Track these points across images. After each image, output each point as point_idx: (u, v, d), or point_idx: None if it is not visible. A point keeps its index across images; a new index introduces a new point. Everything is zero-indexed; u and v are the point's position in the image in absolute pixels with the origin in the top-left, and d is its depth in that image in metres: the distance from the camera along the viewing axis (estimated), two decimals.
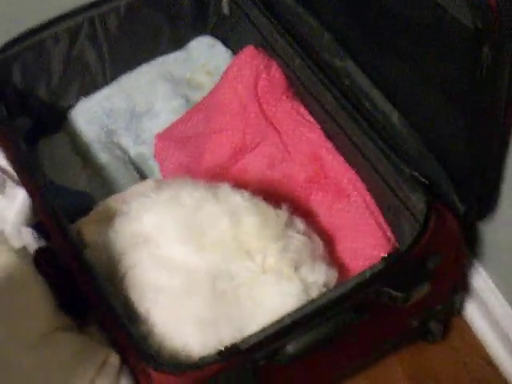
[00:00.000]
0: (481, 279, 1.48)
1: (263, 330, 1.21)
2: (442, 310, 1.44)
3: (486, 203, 1.33)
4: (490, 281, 1.46)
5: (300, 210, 1.55)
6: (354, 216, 1.49)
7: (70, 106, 1.78)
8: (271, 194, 1.56)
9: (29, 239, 1.49)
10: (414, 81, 1.31)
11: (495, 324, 1.48)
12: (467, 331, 1.54)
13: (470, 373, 1.50)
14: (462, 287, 1.50)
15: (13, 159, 1.51)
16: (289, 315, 1.22)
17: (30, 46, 1.62)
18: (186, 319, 1.29)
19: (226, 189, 1.41)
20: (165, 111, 1.80)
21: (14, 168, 1.52)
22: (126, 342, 1.23)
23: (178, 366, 1.19)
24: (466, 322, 1.54)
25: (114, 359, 1.38)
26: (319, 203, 1.55)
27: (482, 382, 1.49)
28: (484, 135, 1.20)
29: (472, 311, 1.53)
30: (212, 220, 1.35)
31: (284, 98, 1.61)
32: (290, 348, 1.21)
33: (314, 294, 1.32)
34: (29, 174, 1.47)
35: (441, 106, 1.27)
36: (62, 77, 1.71)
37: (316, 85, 1.52)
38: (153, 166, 1.74)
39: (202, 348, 1.26)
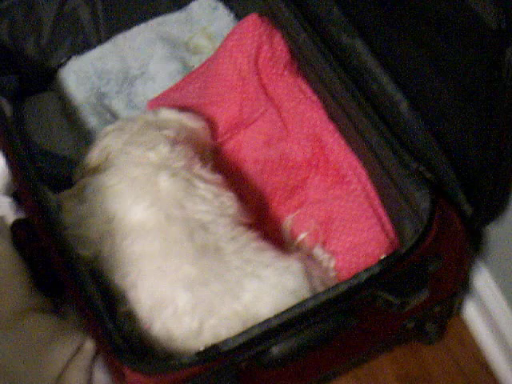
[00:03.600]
0: (483, 280, 1.39)
1: (247, 331, 1.12)
2: (439, 312, 1.36)
3: (496, 207, 1.23)
4: (493, 282, 1.37)
5: (295, 194, 1.47)
6: (352, 206, 1.40)
7: (60, 65, 1.68)
8: (266, 174, 1.48)
9: (6, 209, 1.40)
10: (428, 71, 1.21)
11: (494, 327, 1.40)
12: (464, 333, 1.45)
13: (465, 377, 1.42)
14: (462, 288, 1.41)
15: None
16: (275, 317, 1.13)
17: (19, 1, 1.52)
18: (175, 283, 1.22)
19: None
20: (160, 75, 1.71)
21: None
22: (101, 334, 1.14)
23: (155, 366, 1.11)
24: (463, 323, 1.46)
25: (89, 345, 1.32)
26: (316, 188, 1.46)
27: None
28: (500, 136, 1.09)
29: (471, 312, 1.44)
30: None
31: (286, 72, 1.51)
32: (275, 351, 1.13)
33: (316, 282, 1.26)
34: (6, 138, 1.37)
35: (455, 100, 1.18)
36: (52, 34, 1.62)
37: (320, 62, 1.41)
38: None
39: (193, 311, 1.20)
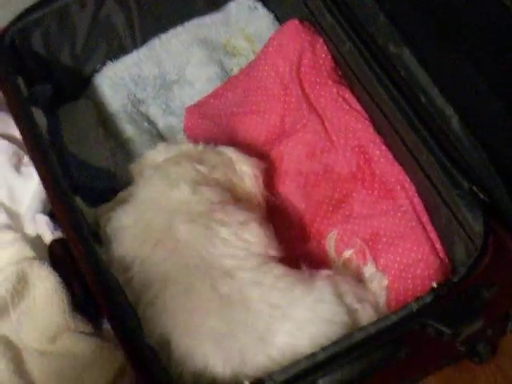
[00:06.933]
0: None
1: (293, 365, 1.08)
2: (492, 334, 1.31)
3: None
4: None
5: (340, 208, 1.42)
6: (400, 222, 1.35)
7: (96, 72, 1.64)
8: (309, 188, 1.43)
9: (44, 228, 1.37)
10: (481, 86, 1.16)
11: None
12: None
13: None
14: None
15: (24, 138, 1.38)
16: (323, 350, 1.09)
17: (53, 11, 1.48)
18: (201, 338, 1.17)
19: None
20: (197, 79, 1.66)
21: (26, 147, 1.39)
22: (141, 369, 1.11)
23: None
24: None
25: None
26: (362, 202, 1.41)
27: None
28: None
29: None
30: None
31: (330, 81, 1.45)
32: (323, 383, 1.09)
33: (350, 299, 1.22)
34: (39, 156, 1.33)
35: (509, 117, 1.11)
36: (86, 41, 1.57)
37: (366, 73, 1.36)
38: (182, 140, 1.59)
39: (225, 364, 1.15)
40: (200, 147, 1.39)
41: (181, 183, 1.28)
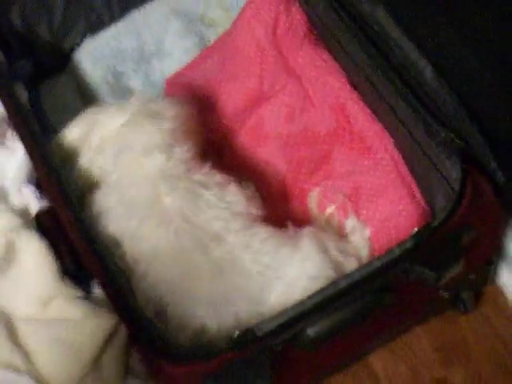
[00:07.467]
0: None
1: (281, 313, 1.10)
2: (475, 280, 1.33)
3: None
4: None
5: (321, 168, 1.44)
6: (380, 176, 1.36)
7: (75, 47, 1.65)
8: (289, 149, 1.45)
9: (30, 198, 1.39)
10: (452, 35, 1.18)
11: None
12: (500, 299, 1.42)
13: (503, 343, 1.39)
14: (497, 254, 1.38)
15: (8, 111, 1.39)
16: (309, 298, 1.11)
17: None
18: (197, 303, 1.19)
19: None
20: (176, 51, 1.68)
21: (9, 120, 1.40)
22: (134, 329, 1.13)
23: (189, 356, 1.09)
24: (499, 290, 1.43)
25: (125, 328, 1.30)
26: (342, 160, 1.42)
27: None
28: None
29: (507, 278, 1.41)
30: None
31: (306, 41, 1.47)
32: (311, 332, 1.11)
33: (334, 254, 1.24)
34: (23, 126, 1.34)
35: (482, 64, 1.14)
36: (64, 16, 1.59)
37: (341, 30, 1.38)
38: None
39: (220, 328, 1.17)
40: (148, 95, 1.39)
41: (153, 152, 1.28)
